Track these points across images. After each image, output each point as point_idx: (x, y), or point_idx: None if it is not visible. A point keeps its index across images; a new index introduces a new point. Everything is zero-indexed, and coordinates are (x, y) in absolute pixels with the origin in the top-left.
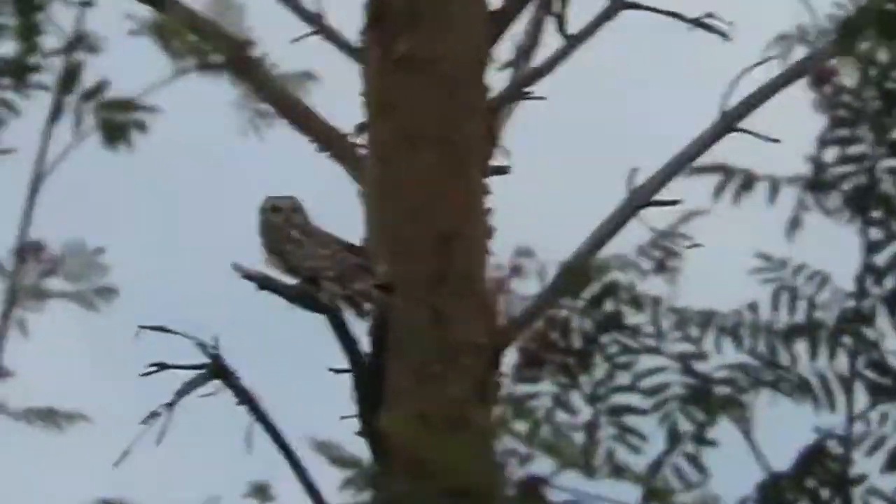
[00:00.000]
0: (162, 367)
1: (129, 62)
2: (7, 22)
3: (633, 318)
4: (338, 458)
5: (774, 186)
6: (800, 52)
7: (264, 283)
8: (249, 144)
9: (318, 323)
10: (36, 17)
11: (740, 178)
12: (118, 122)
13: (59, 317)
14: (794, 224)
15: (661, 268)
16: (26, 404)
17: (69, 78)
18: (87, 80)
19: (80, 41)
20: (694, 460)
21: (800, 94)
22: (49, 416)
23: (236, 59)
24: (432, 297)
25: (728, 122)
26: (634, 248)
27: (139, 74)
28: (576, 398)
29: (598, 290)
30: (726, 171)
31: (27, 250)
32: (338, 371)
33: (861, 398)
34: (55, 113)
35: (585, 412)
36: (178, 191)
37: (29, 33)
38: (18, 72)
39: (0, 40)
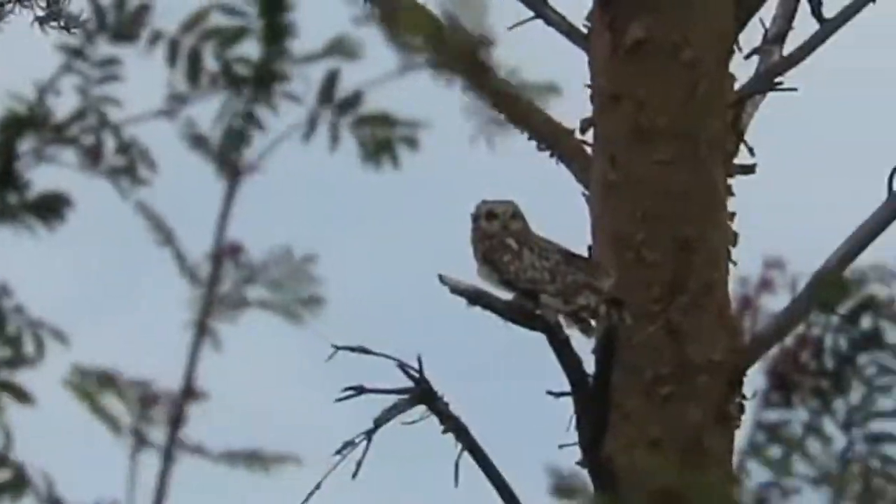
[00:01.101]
0: (360, 390)
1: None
2: (251, 23)
3: (893, 335)
4: (562, 487)
5: None
6: None
7: (476, 298)
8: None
9: (536, 342)
10: (284, 17)
11: None
12: (382, 138)
13: (258, 331)
14: None
15: None
16: (224, 432)
17: (327, 88)
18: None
19: (337, 46)
20: None
21: None
22: (254, 460)
23: (470, 59)
24: (667, 311)
25: None
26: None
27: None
28: (829, 425)
29: (854, 304)
30: None
31: (224, 254)
32: (558, 395)
33: None
34: (310, 127)
35: (840, 440)
36: (397, 195)
37: (275, 36)
38: (263, 80)
39: (244, 44)
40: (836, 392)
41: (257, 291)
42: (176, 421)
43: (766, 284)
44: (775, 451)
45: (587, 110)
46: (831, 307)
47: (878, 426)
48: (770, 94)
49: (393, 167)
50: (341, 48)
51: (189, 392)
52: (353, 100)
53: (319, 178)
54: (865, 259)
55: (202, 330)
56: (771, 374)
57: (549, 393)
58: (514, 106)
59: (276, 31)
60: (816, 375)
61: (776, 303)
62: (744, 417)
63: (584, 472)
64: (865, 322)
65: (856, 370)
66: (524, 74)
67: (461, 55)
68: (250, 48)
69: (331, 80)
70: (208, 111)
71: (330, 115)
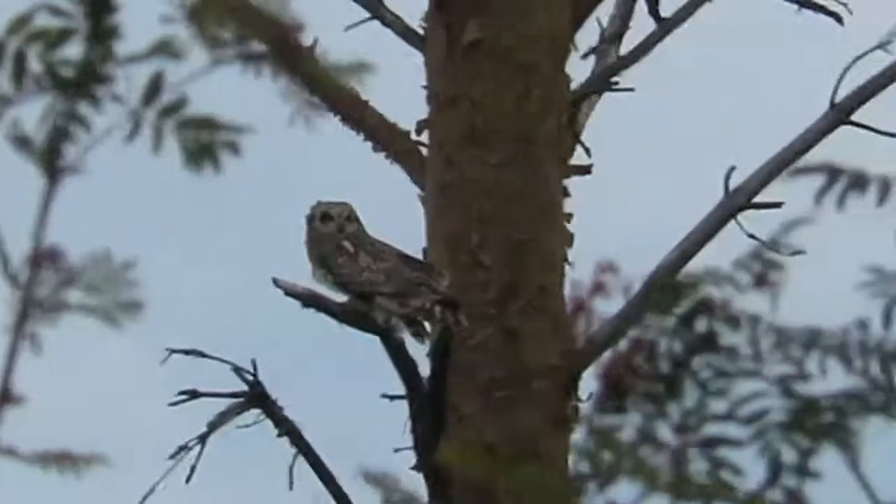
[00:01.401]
0: (193, 395)
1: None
2: (76, 24)
3: (728, 338)
4: (391, 495)
5: (885, 187)
6: None
7: (310, 301)
8: (298, 141)
9: (371, 344)
10: (109, 19)
11: (847, 179)
12: (204, 143)
13: (78, 335)
14: None
15: (760, 282)
16: (41, 436)
17: (151, 89)
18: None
19: (162, 47)
20: (796, 494)
21: None
22: (64, 460)
23: (281, 48)
24: (503, 314)
25: (839, 115)
26: (732, 257)
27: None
28: (664, 429)
29: (689, 307)
30: (831, 171)
31: (42, 258)
32: (392, 398)
33: None
34: (133, 128)
35: (674, 444)
36: (223, 195)
37: (101, 37)
38: (88, 82)
39: (69, 46)
40: (670, 396)
41: (75, 295)
42: None
43: (598, 287)
44: (607, 456)
45: (423, 112)
46: (666, 310)
47: (712, 429)
48: (607, 95)
49: (214, 172)
50: (166, 49)
51: (5, 396)
52: (178, 103)
53: (149, 177)
54: (701, 260)
55: (20, 334)
56: (604, 378)
57: (384, 396)
58: (346, 105)
59: (102, 32)
60: (650, 379)
61: (610, 306)
62: (577, 422)
63: (419, 477)
64: (700, 325)
65: (691, 374)
66: (335, 56)
67: (272, 42)
68: (75, 49)
69: (155, 81)
70: (33, 113)
71: (153, 116)
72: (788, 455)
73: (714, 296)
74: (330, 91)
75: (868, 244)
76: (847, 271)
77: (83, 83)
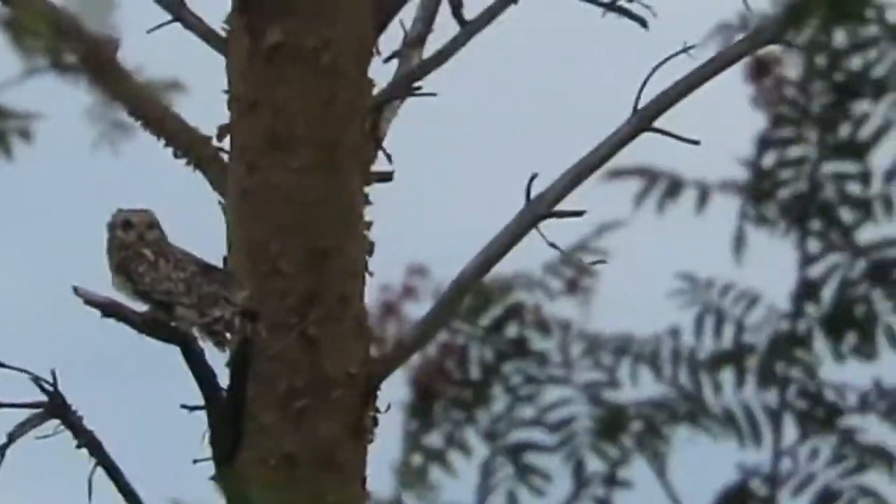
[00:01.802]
0: None
1: None
2: None
3: (538, 344)
4: None
5: (704, 193)
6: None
7: (110, 310)
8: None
9: (170, 354)
10: None
11: (665, 184)
12: None
13: None
14: (740, 240)
15: (571, 288)
16: None
17: None
18: None
19: None
20: (604, 503)
21: (726, 88)
22: None
23: (92, 60)
24: (303, 323)
25: (641, 121)
26: (538, 264)
27: None
28: (472, 436)
29: (499, 312)
30: (649, 175)
31: None
32: (192, 408)
33: (790, 432)
34: None
35: (482, 451)
36: (21, 201)
37: None
38: None
39: None
40: (479, 402)
41: None
42: None
43: (408, 291)
44: (417, 462)
45: (224, 117)
46: (475, 315)
47: (521, 435)
48: (410, 99)
49: (5, 158)
50: None
51: None
52: None
53: None
54: (504, 267)
55: None
56: (414, 384)
57: (184, 406)
58: (148, 109)
59: None
60: (460, 385)
61: (419, 311)
62: (377, 431)
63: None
64: (510, 330)
65: (500, 379)
66: (150, 72)
67: (86, 55)
68: None
69: None
70: None
71: None
72: (597, 463)
73: (524, 301)
74: (132, 96)
75: (680, 250)
76: (660, 278)
77: None
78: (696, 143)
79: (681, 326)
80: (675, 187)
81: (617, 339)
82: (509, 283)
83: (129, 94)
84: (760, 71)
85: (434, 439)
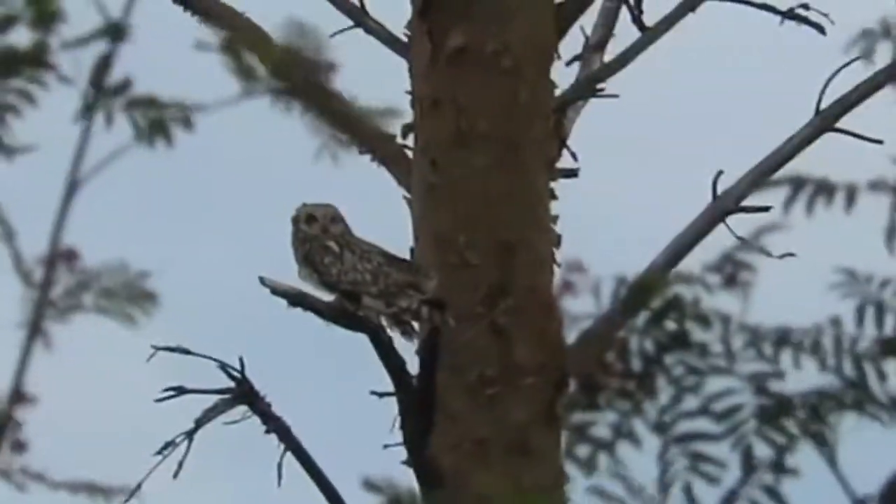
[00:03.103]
0: (180, 391)
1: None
2: (19, 10)
3: (699, 336)
4: (391, 497)
5: (852, 194)
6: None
7: (297, 300)
8: (324, 171)
9: (360, 343)
10: (52, 3)
11: (813, 187)
12: (156, 119)
13: (88, 335)
14: (892, 233)
15: (731, 282)
16: (50, 436)
17: (99, 71)
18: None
19: (109, 31)
20: (772, 491)
21: None
22: (94, 489)
23: (310, 88)
24: (492, 313)
25: (824, 122)
26: (707, 260)
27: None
28: (640, 427)
29: (659, 306)
30: (797, 183)
31: (58, 259)
32: (381, 395)
33: None
34: (87, 109)
35: (651, 442)
36: (212, 194)
37: (43, 21)
38: (31, 63)
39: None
40: (644, 394)
41: (90, 297)
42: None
43: (567, 287)
44: (583, 451)
45: (408, 115)
46: (639, 310)
47: (688, 426)
48: (593, 101)
49: (167, 145)
50: (112, 32)
51: (18, 396)
52: (124, 83)
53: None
54: (690, 263)
55: (35, 331)
56: (578, 377)
57: (373, 393)
58: (336, 110)
59: (45, 16)
60: (623, 377)
61: (580, 305)
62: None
63: (409, 473)
64: (671, 323)
65: (664, 371)
66: (364, 99)
67: (304, 81)
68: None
69: (103, 63)
70: None
71: (102, 98)
72: (763, 451)
73: (685, 294)
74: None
75: (836, 249)
76: (817, 275)
77: (30, 66)
78: (879, 142)
79: (842, 318)
80: (825, 190)
81: (778, 331)
82: (669, 277)
83: (335, 113)
84: None
85: (602, 430)
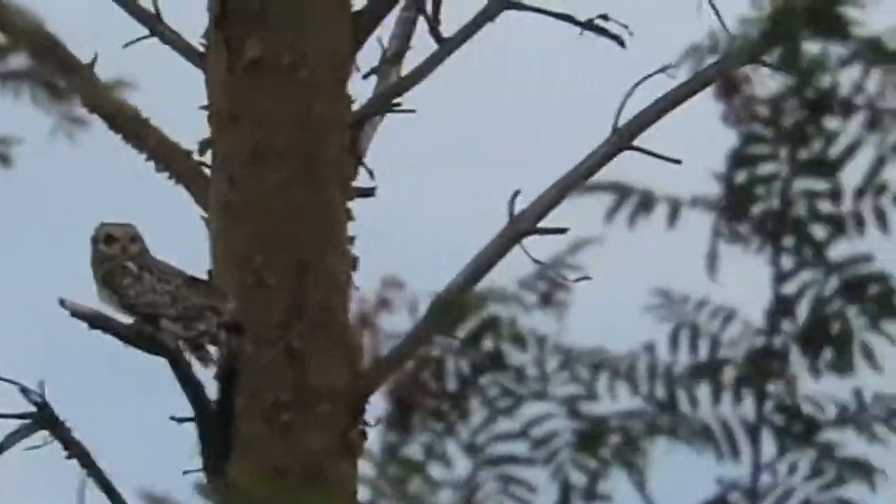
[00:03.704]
0: None
1: None
2: None
3: (515, 357)
4: None
5: (675, 208)
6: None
7: (96, 322)
8: (78, 158)
9: (157, 366)
10: None
11: (637, 199)
12: None
13: None
14: (713, 256)
15: (546, 302)
16: None
17: None
18: None
19: None
20: None
21: (703, 107)
22: None
23: (52, 62)
24: (287, 335)
25: (622, 140)
26: (517, 279)
27: None
28: (452, 448)
29: (475, 325)
30: (621, 190)
31: None
32: (181, 420)
33: (768, 446)
34: None
35: (463, 464)
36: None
37: None
38: None
39: None
40: (458, 414)
41: None
42: None
43: (383, 303)
44: (394, 473)
45: (205, 131)
46: (452, 329)
47: (501, 448)
48: (389, 116)
49: None
50: None
51: None
52: None
53: None
54: (487, 282)
55: None
56: (391, 397)
57: (172, 418)
58: (128, 125)
59: None
60: (438, 398)
61: (395, 324)
62: (366, 445)
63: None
64: (487, 344)
65: (478, 392)
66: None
67: (41, 56)
68: None
69: None
70: None
71: None
72: (577, 477)
73: (500, 315)
74: (109, 109)
75: (655, 267)
76: (635, 294)
77: None
78: (677, 161)
79: (656, 341)
80: (647, 202)
81: (593, 354)
82: (485, 296)
83: (100, 101)
84: (731, 89)
85: (413, 451)
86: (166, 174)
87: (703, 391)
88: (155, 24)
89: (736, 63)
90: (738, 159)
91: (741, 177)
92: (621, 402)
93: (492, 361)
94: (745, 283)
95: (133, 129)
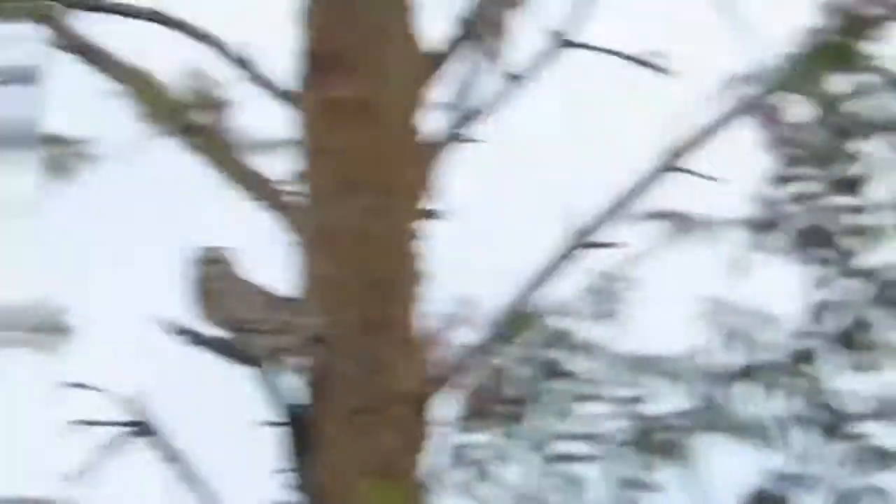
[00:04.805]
0: (84, 424)
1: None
2: None
3: (573, 364)
4: None
5: (709, 229)
6: (744, 90)
7: (191, 336)
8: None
9: (247, 376)
10: None
11: (677, 222)
12: (57, 157)
13: None
14: (743, 265)
15: (603, 312)
16: None
17: None
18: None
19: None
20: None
21: (744, 133)
22: None
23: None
24: (366, 347)
25: (670, 162)
26: (574, 292)
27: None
28: (515, 448)
29: (538, 336)
30: (664, 216)
31: None
32: (270, 425)
33: (807, 438)
34: None
35: (526, 462)
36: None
37: None
38: None
39: None
40: (522, 417)
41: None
42: None
43: (454, 318)
44: (463, 475)
45: (294, 164)
46: (517, 339)
47: (562, 447)
48: (461, 145)
49: (67, 182)
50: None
51: None
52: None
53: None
54: (547, 295)
55: None
56: (467, 402)
57: (263, 423)
58: (222, 159)
59: None
60: (505, 402)
61: (465, 336)
62: (431, 443)
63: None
64: (548, 352)
65: (540, 396)
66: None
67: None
68: None
69: None
70: None
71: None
72: (631, 471)
73: (560, 325)
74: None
75: (699, 279)
76: (683, 302)
77: None
78: (719, 180)
79: (703, 346)
80: (685, 225)
81: (644, 359)
82: (546, 309)
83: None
84: (770, 117)
85: (481, 452)
86: (256, 202)
87: (749, 390)
88: (249, 67)
89: (775, 93)
90: (777, 179)
91: (778, 194)
92: (671, 402)
93: (553, 369)
94: (779, 291)
95: (228, 163)
